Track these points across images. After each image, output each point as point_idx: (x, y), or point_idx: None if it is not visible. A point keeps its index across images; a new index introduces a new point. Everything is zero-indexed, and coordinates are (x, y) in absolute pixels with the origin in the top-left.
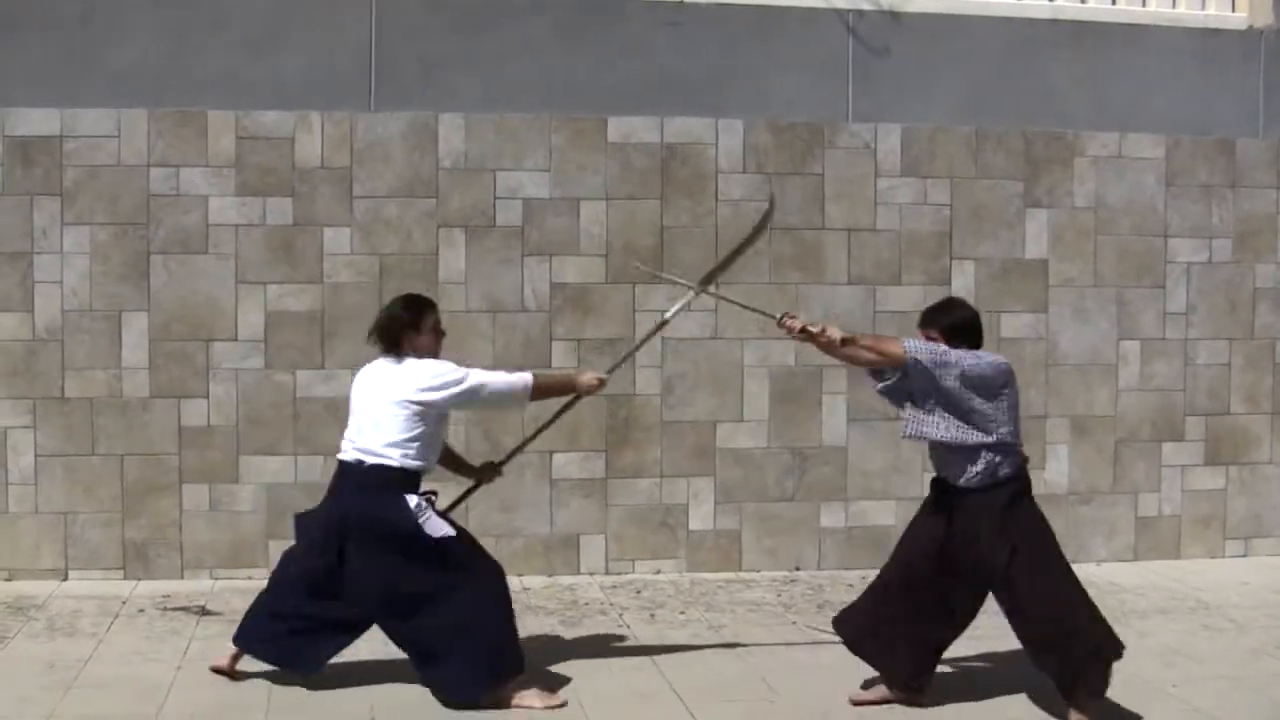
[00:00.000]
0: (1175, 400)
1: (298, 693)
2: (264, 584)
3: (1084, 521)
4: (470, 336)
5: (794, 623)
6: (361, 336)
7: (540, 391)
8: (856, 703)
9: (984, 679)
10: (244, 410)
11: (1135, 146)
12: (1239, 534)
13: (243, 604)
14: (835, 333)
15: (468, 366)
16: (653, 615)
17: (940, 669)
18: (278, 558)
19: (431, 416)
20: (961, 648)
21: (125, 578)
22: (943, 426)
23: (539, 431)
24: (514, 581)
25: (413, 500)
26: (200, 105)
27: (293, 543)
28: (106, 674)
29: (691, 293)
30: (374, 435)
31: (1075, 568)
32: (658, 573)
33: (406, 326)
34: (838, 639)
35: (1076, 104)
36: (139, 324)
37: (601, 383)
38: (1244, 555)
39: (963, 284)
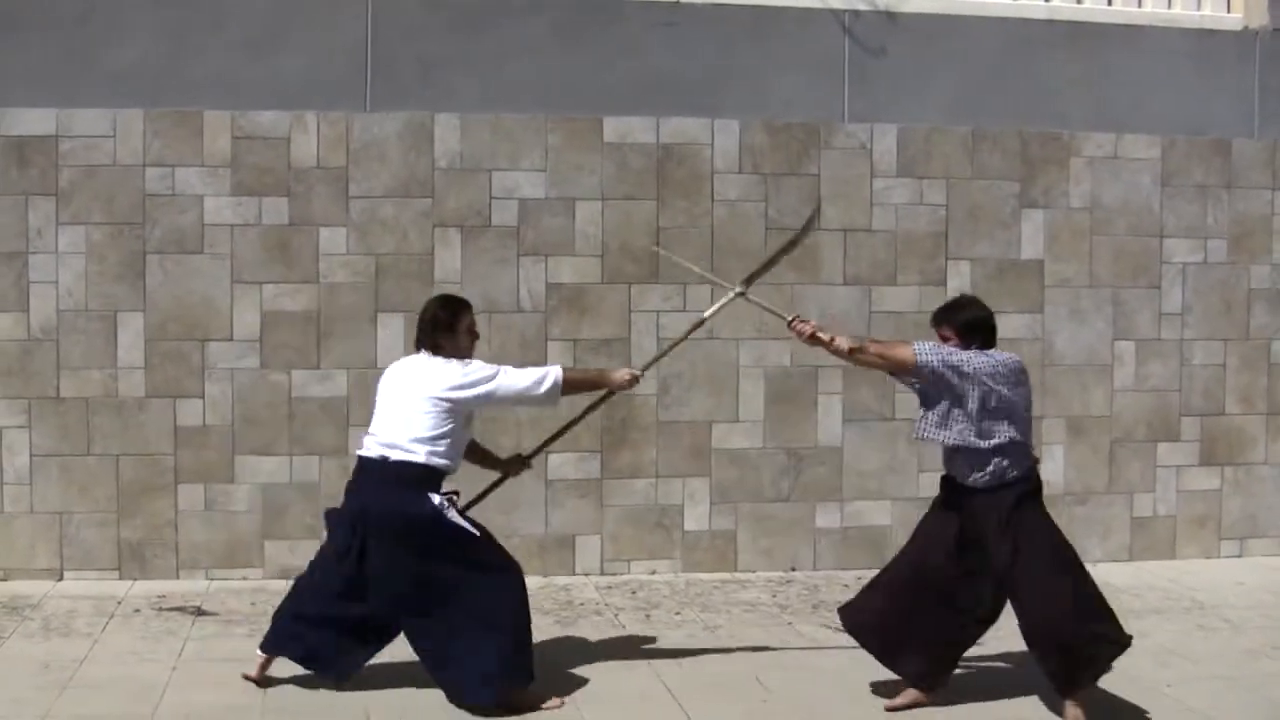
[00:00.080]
0: (1170, 400)
1: (293, 693)
2: (259, 584)
3: (1079, 522)
4: None
5: (789, 623)
6: (357, 336)
7: (571, 388)
8: (891, 709)
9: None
10: (239, 410)
11: (1131, 147)
12: (1234, 534)
13: (238, 604)
14: (844, 342)
15: (497, 364)
16: (648, 616)
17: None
18: (273, 558)
19: (460, 414)
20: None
21: (121, 578)
22: (953, 429)
23: (568, 426)
24: None
25: (435, 499)
26: (196, 105)
27: (322, 543)
28: (102, 674)
29: (731, 294)
30: (401, 430)
31: None
32: (653, 573)
33: (444, 326)
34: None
35: (1072, 104)
36: (134, 324)
37: (635, 379)
38: (1239, 555)
39: (958, 284)
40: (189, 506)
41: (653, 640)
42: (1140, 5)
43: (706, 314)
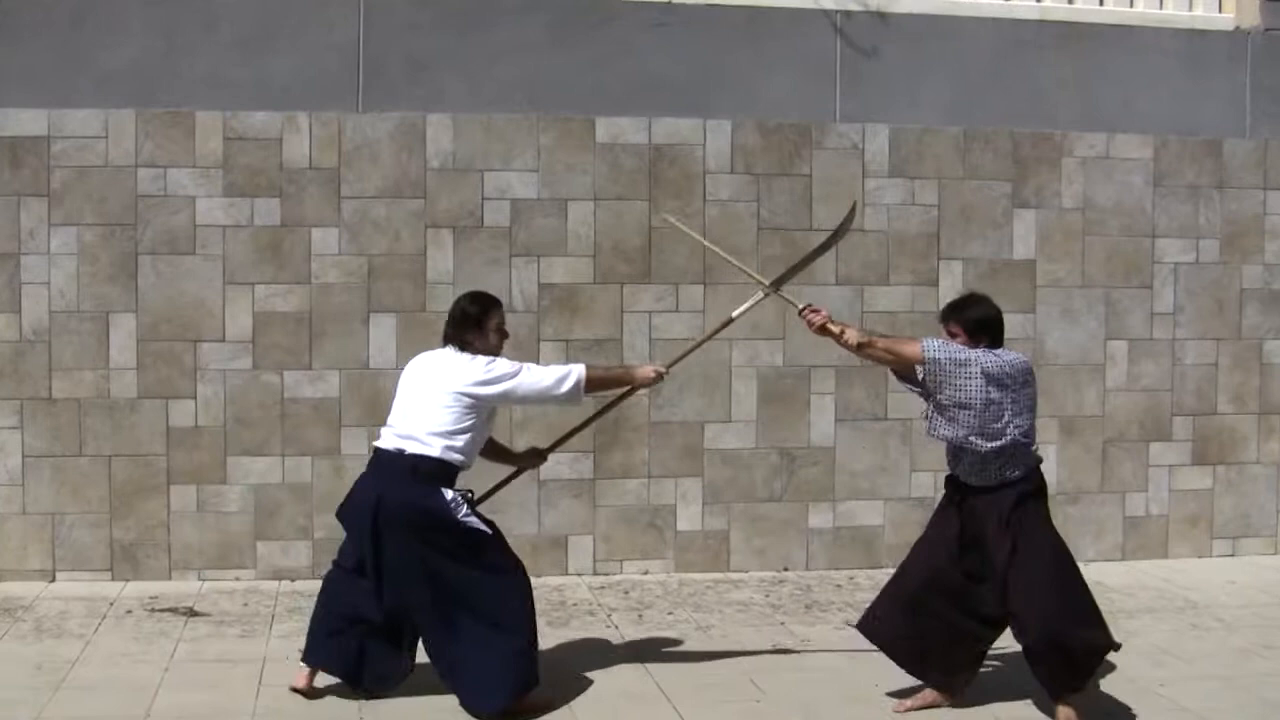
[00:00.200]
0: (1163, 400)
1: (285, 695)
2: (251, 585)
3: (1072, 521)
4: None
5: (782, 623)
6: (349, 337)
7: (594, 386)
8: (901, 711)
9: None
10: (232, 411)
11: (1123, 147)
12: (1226, 533)
13: (230, 605)
14: (853, 336)
15: (521, 362)
16: (640, 616)
17: None
18: (266, 559)
19: (481, 411)
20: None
21: (113, 579)
22: (959, 427)
23: (589, 421)
24: None
25: (448, 494)
26: (188, 106)
27: (341, 543)
28: (94, 675)
29: (761, 293)
30: (419, 423)
31: None
32: (646, 573)
33: (472, 322)
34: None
35: (1064, 105)
36: (127, 325)
37: (660, 376)
38: (1231, 555)
39: (950, 284)
40: (181, 507)
41: (645, 640)
42: (1132, 6)
43: (735, 313)
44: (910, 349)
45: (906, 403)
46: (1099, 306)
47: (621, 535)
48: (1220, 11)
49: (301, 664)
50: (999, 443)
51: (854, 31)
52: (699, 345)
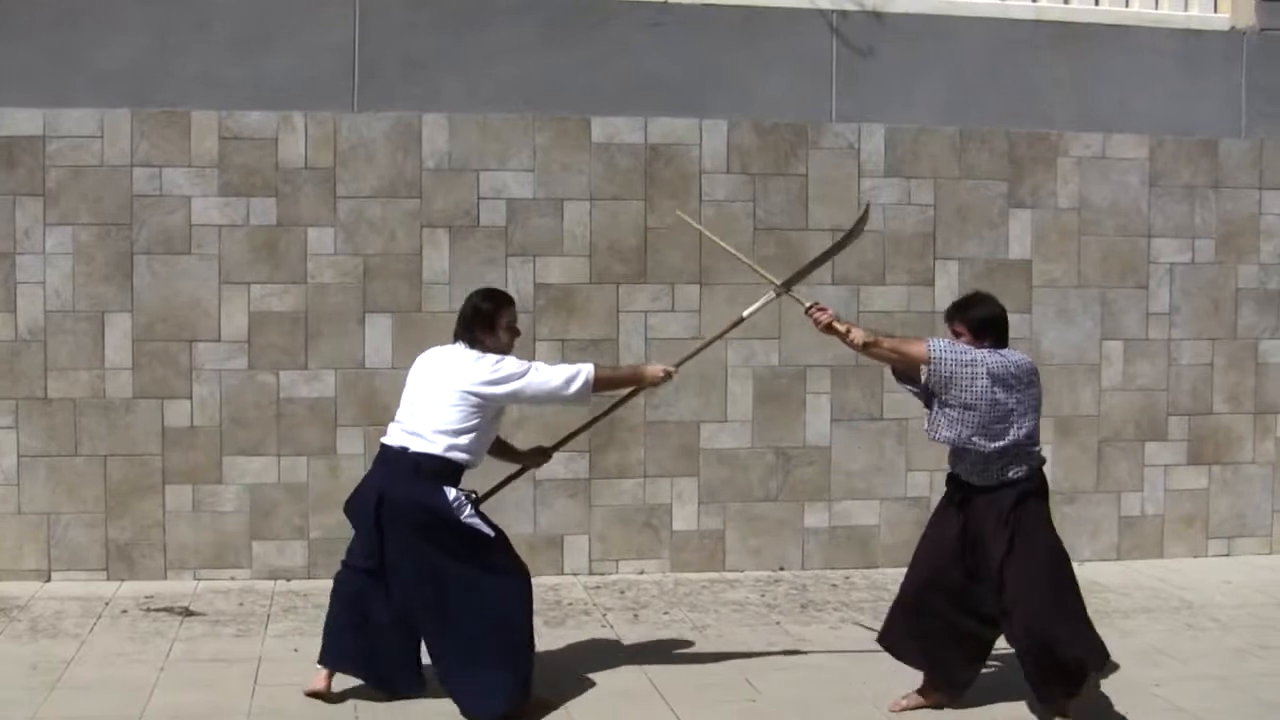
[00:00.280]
0: (1158, 400)
1: (281, 695)
2: (247, 584)
3: (1068, 521)
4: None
5: (778, 623)
6: (345, 337)
7: (603, 386)
8: (895, 710)
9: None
10: (227, 411)
11: (1119, 147)
12: (1221, 533)
13: (226, 604)
14: (859, 335)
15: (529, 361)
16: (636, 615)
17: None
18: (261, 558)
19: (487, 411)
20: None
21: (108, 578)
22: (962, 427)
23: (597, 419)
24: None
25: (451, 493)
26: (184, 105)
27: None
28: (89, 675)
29: (772, 293)
30: (425, 420)
31: None
32: (641, 573)
33: (484, 320)
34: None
35: (1060, 105)
36: (122, 324)
37: (668, 375)
38: (1227, 555)
39: (946, 284)
40: (176, 507)
41: (641, 640)
42: (1127, 6)
43: (746, 312)
44: (916, 349)
45: (902, 403)
46: (1094, 306)
47: (617, 535)
48: (1216, 11)
49: (318, 666)
50: (1002, 443)
51: (850, 31)
52: (708, 344)
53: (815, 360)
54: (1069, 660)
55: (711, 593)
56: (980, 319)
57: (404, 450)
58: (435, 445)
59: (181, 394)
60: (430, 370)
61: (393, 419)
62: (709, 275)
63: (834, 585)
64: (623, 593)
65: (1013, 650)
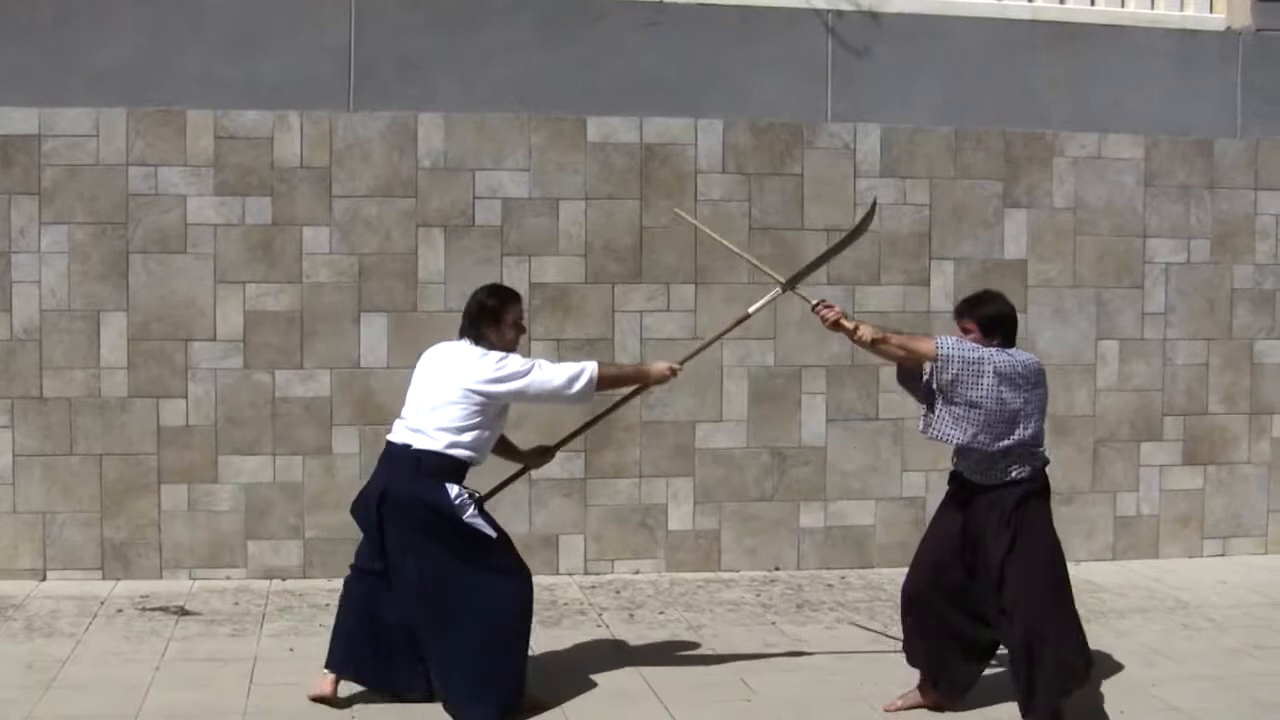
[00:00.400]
0: (1154, 400)
1: (276, 694)
2: (242, 584)
3: (1063, 521)
4: (449, 336)
5: (773, 623)
6: (340, 336)
7: (606, 384)
8: (890, 710)
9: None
10: (223, 410)
11: (1114, 147)
12: (1217, 533)
13: (221, 604)
14: (867, 332)
15: (533, 359)
16: (632, 615)
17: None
18: (256, 558)
19: (492, 409)
20: None
21: (104, 578)
22: (967, 426)
23: (600, 417)
24: None
25: (452, 491)
26: (179, 105)
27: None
28: (85, 674)
29: (778, 289)
30: (429, 417)
31: None
32: (637, 573)
33: (489, 316)
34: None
35: (1056, 104)
36: (117, 324)
37: (673, 372)
38: (1222, 555)
39: (942, 284)
40: (172, 506)
41: (637, 640)
42: (1123, 6)
43: (751, 310)
44: (924, 346)
45: (898, 403)
46: (1090, 306)
47: (613, 535)
48: (1211, 12)
49: (325, 671)
50: (1006, 442)
51: (846, 31)
52: (712, 342)
53: (811, 360)
54: (1061, 663)
55: (707, 593)
56: (990, 316)
57: (406, 447)
58: (437, 442)
59: (177, 393)
60: (435, 367)
61: (389, 418)
62: (705, 275)
63: (829, 585)
64: (618, 592)
65: (1005, 653)
